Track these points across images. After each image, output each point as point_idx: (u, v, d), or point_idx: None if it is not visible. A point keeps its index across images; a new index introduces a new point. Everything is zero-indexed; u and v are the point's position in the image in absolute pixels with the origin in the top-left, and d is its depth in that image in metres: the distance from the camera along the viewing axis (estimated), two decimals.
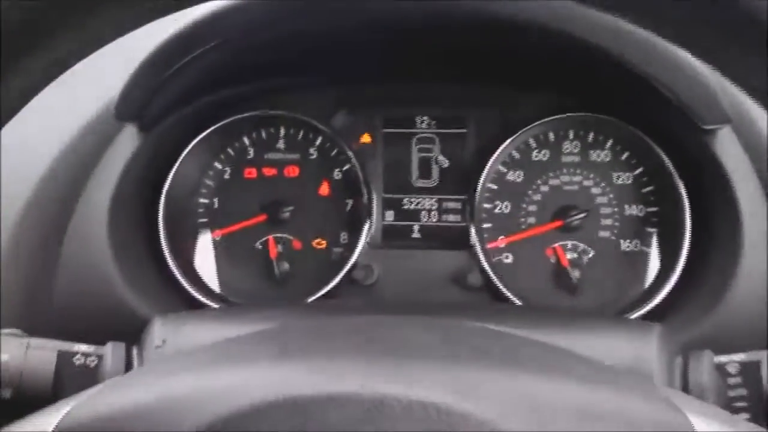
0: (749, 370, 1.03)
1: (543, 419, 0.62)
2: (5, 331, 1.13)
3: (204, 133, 1.66)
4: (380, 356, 0.73)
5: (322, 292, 1.62)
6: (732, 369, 1.04)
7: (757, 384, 1.02)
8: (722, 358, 1.06)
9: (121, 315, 1.40)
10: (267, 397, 0.63)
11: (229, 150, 1.75)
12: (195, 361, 0.80)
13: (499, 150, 1.65)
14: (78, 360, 1.12)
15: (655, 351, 1.05)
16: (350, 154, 1.68)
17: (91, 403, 0.71)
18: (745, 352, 1.06)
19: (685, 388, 1.04)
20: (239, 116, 1.67)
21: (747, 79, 0.56)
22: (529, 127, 1.63)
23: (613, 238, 1.66)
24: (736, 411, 1.01)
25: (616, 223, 1.66)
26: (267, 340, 0.86)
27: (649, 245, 1.64)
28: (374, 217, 1.69)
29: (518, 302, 1.58)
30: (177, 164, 1.64)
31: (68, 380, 1.10)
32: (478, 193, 1.66)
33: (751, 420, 0.99)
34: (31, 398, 1.07)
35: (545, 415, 0.62)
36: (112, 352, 1.14)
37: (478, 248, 1.64)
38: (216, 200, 1.76)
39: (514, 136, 1.64)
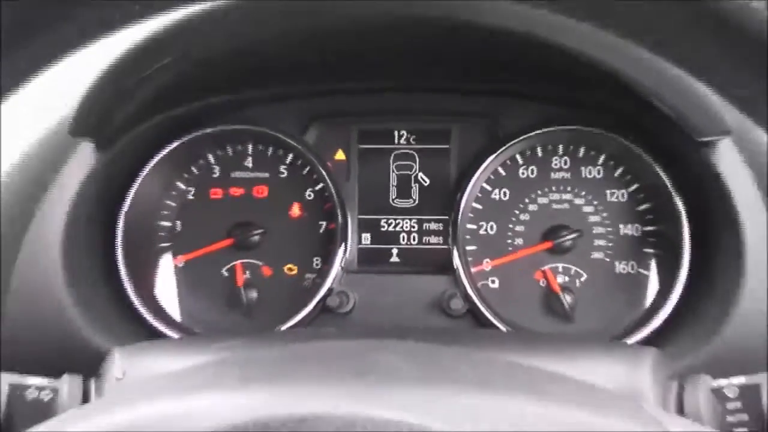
0: (749, 394, 1.06)
1: None
2: None
3: (165, 150, 1.68)
4: (352, 379, 0.77)
5: (294, 321, 1.64)
6: (731, 393, 1.06)
7: (757, 408, 1.05)
8: (721, 382, 1.09)
9: (75, 345, 1.41)
10: (234, 420, 0.67)
11: (193, 168, 1.78)
12: (160, 389, 0.83)
13: (483, 166, 1.68)
14: (31, 394, 1.12)
15: (648, 375, 1.08)
16: (323, 172, 1.70)
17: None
18: (745, 375, 1.09)
19: (681, 413, 1.07)
20: (203, 131, 1.70)
21: (728, 87, 0.59)
22: (515, 141, 1.66)
23: (608, 259, 1.70)
24: None
25: (611, 244, 1.70)
26: (231, 365, 0.89)
27: (646, 267, 1.68)
28: (349, 240, 1.72)
29: (504, 329, 1.61)
30: (136, 184, 1.66)
31: (20, 416, 1.10)
32: (461, 213, 1.69)
33: None
34: None
35: None
36: (68, 385, 1.14)
37: (461, 272, 1.67)
38: (179, 223, 1.78)
39: (499, 151, 1.68)
